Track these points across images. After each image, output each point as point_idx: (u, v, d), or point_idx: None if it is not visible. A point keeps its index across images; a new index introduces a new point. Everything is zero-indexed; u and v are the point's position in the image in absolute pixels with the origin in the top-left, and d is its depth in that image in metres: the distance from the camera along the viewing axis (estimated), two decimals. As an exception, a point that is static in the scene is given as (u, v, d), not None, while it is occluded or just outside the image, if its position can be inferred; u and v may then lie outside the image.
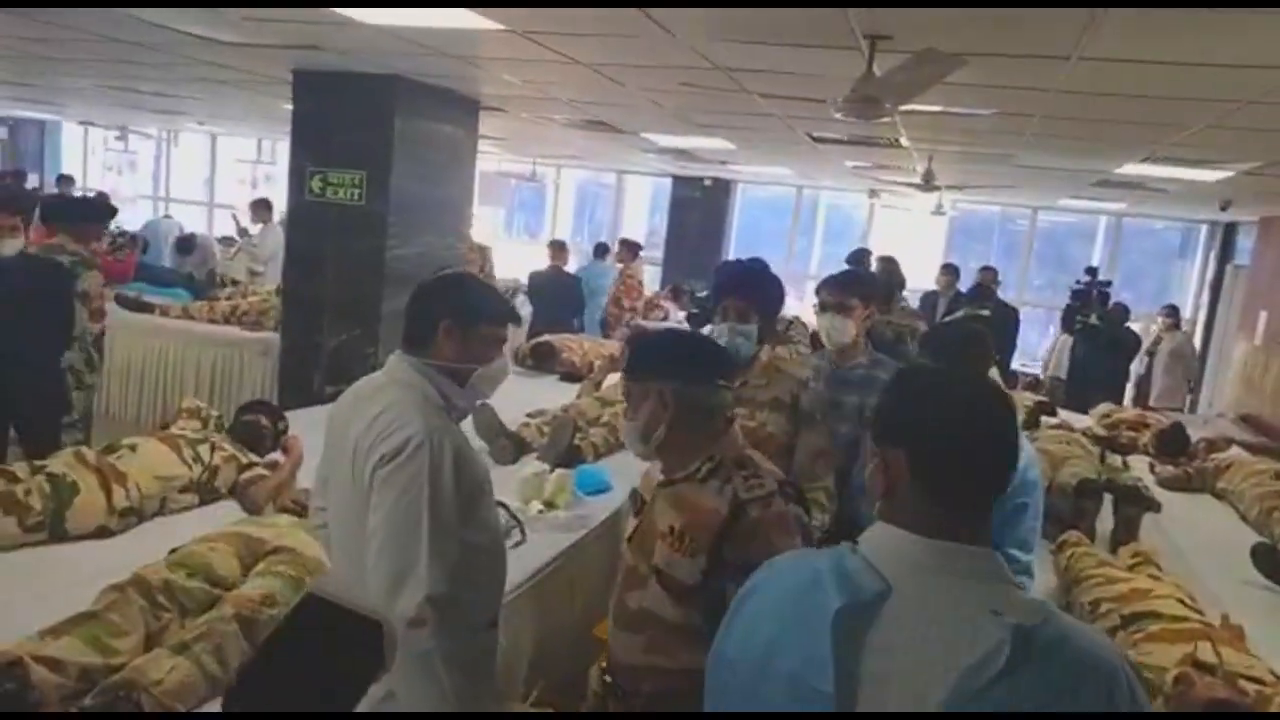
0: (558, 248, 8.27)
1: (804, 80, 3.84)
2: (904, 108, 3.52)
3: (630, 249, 8.78)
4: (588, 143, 7.95)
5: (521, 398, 4.29)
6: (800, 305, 6.37)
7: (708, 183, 10.83)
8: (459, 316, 1.79)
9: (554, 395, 4.81)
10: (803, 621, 1.03)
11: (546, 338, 6.36)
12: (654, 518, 1.71)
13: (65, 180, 8.40)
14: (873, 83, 3.08)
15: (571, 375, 5.81)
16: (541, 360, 6.10)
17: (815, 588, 1.04)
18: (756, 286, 2.62)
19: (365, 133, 4.91)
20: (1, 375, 3.75)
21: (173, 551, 2.32)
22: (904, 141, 5.44)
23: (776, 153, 7.14)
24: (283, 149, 13.37)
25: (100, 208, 4.60)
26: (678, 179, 11.03)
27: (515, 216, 13.66)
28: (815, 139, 5.72)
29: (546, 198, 12.71)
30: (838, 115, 3.26)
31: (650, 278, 10.02)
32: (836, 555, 1.08)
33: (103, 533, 2.73)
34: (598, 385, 4.90)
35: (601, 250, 9.07)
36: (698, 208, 11.02)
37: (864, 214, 11.12)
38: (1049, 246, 11.58)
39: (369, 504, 1.68)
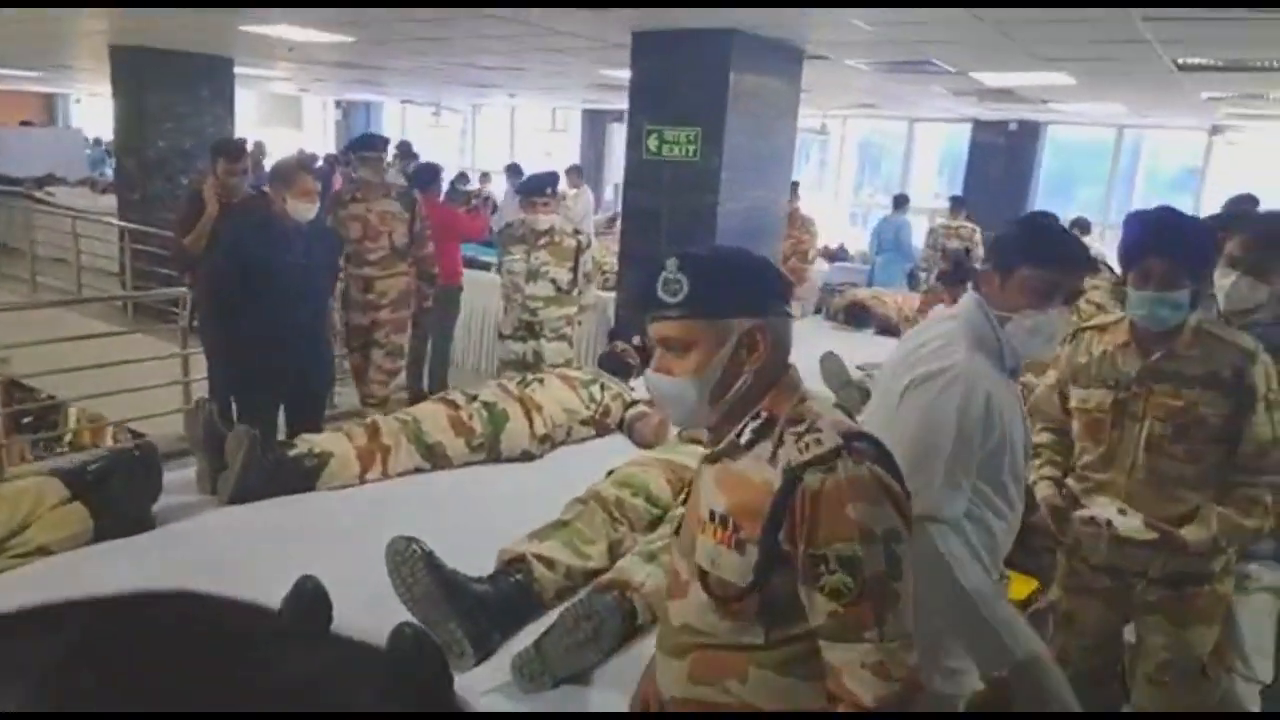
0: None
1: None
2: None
3: (958, 203, 8.45)
4: (891, 87, 7.69)
5: (842, 352, 4.28)
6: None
7: (1013, 127, 10.11)
8: (1000, 259, 1.78)
9: (873, 350, 4.73)
10: None
11: (858, 295, 6.31)
12: (697, 502, 1.33)
13: (406, 152, 9.36)
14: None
15: (887, 330, 5.73)
16: (853, 317, 6.06)
17: None
18: (1186, 241, 2.05)
19: (700, 89, 5.03)
20: (283, 339, 3.55)
21: (610, 473, 2.54)
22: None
23: (1118, 87, 6.52)
24: (574, 118, 14.20)
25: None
26: (979, 124, 10.39)
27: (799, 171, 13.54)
28: (1180, 66, 5.15)
29: (830, 151, 12.46)
30: None
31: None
32: None
33: (526, 456, 3.06)
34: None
35: (901, 202, 8.78)
36: (1000, 154, 10.32)
37: (1197, 155, 9.90)
38: None
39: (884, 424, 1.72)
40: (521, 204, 4.47)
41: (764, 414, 1.25)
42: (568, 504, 2.32)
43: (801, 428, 1.21)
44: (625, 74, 5.49)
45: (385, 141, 4.95)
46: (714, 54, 4.97)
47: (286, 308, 3.48)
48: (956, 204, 8.33)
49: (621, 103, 11.97)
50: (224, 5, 5.23)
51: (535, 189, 4.34)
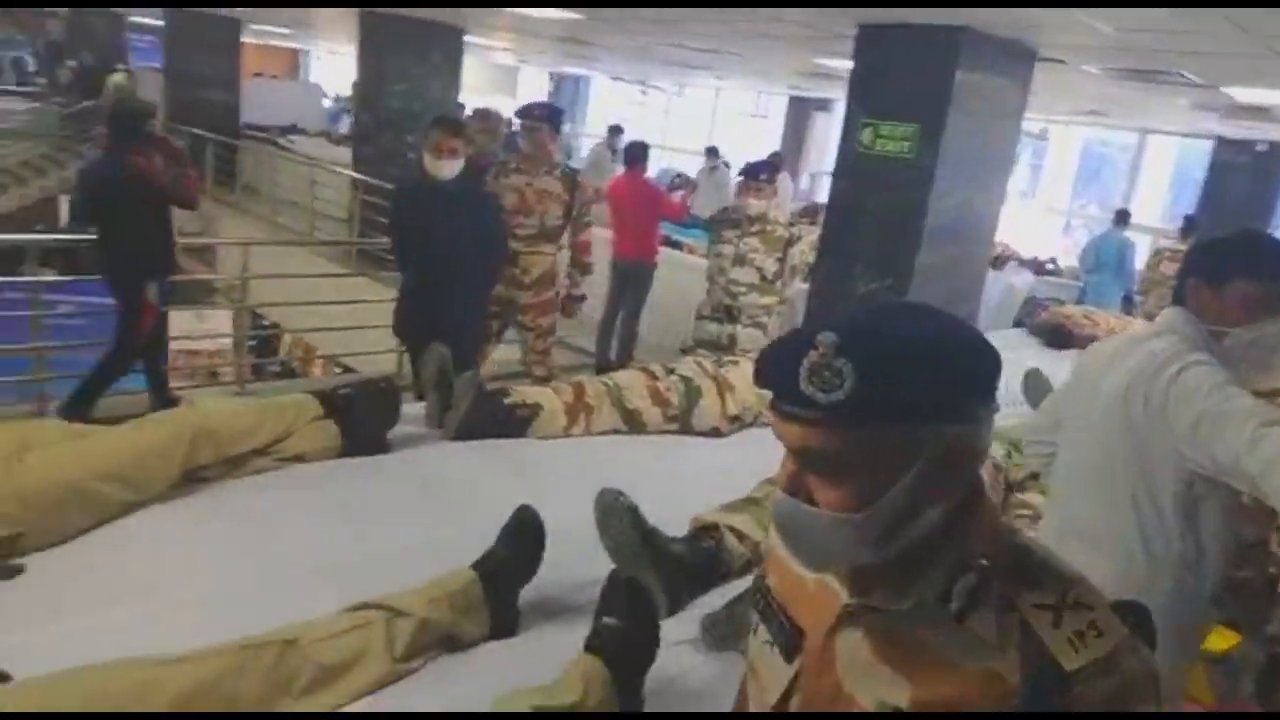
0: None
1: None
2: None
3: (1190, 225, 7.87)
4: (1125, 95, 7.21)
5: (1049, 369, 4.11)
6: None
7: (1261, 147, 9.23)
8: (1212, 272, 1.73)
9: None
10: None
11: (1068, 312, 6.01)
12: (838, 680, 0.92)
13: (615, 130, 9.68)
14: None
15: (1094, 350, 5.43)
16: (1053, 337, 5.78)
17: None
18: None
19: (923, 85, 4.93)
20: (428, 296, 3.60)
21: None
22: None
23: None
24: (777, 104, 14.14)
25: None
26: (1222, 141, 9.55)
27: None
28: None
29: (1047, 156, 11.82)
30: None
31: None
32: None
33: (715, 433, 3.16)
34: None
35: (1123, 217, 8.23)
36: (1244, 176, 9.45)
37: None
38: None
39: (1112, 443, 1.71)
40: (738, 188, 4.53)
41: (974, 562, 0.85)
42: (759, 484, 2.39)
43: (1052, 598, 0.84)
44: (841, 64, 5.47)
45: (547, 110, 4.49)
46: (941, 50, 4.85)
47: (431, 266, 3.62)
48: (1189, 226, 7.72)
49: (828, 91, 11.88)
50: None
51: (752, 173, 4.40)
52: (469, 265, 3.66)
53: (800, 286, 5.12)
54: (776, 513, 0.90)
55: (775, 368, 0.86)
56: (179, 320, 6.97)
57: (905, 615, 0.87)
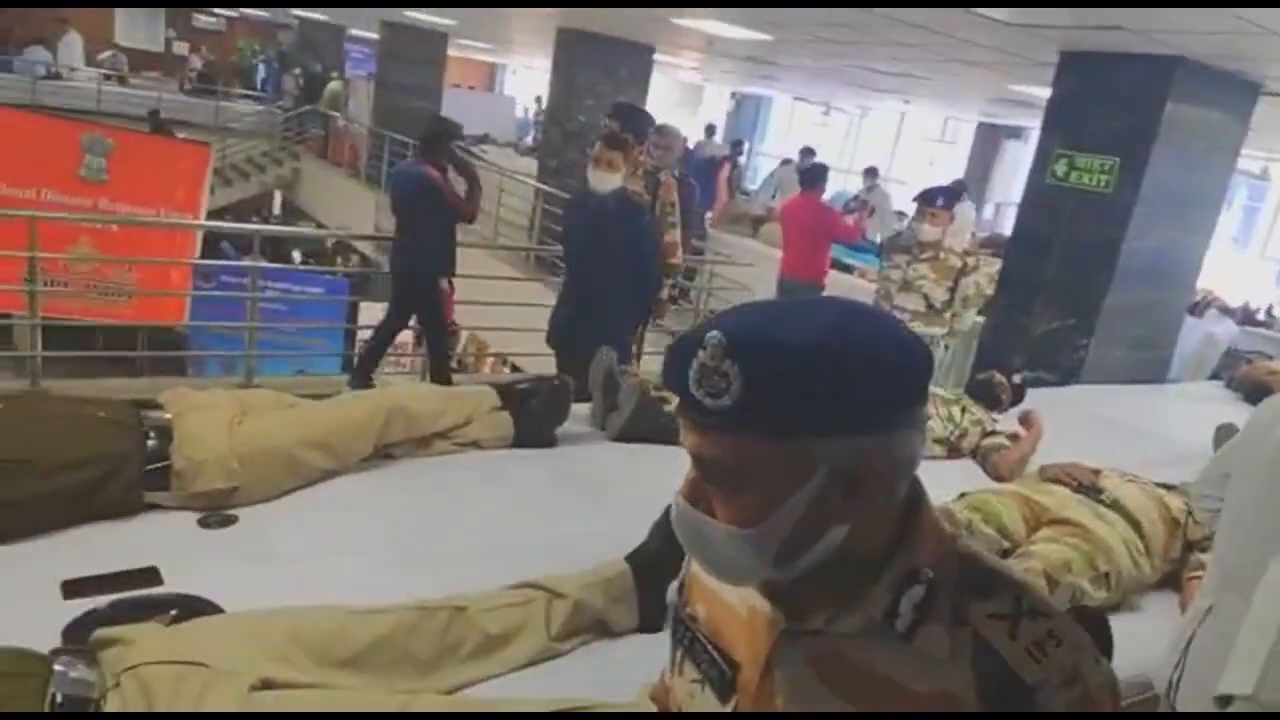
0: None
1: None
2: None
3: None
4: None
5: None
6: None
7: None
8: None
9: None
10: None
11: (1258, 369, 5.50)
12: (781, 714, 0.85)
13: (807, 152, 9.71)
14: None
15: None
16: (1254, 393, 5.30)
17: None
18: None
19: (1127, 117, 4.67)
20: (575, 304, 3.66)
21: (962, 495, 2.54)
22: None
23: None
24: (965, 130, 13.68)
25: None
26: None
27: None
28: None
29: (1268, 198, 10.86)
30: None
31: None
32: None
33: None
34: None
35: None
36: None
37: None
38: None
39: (1276, 495, 1.61)
40: (915, 213, 4.46)
41: (921, 572, 0.78)
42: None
43: (1006, 607, 0.78)
44: (1038, 91, 5.25)
45: (633, 115, 4.42)
46: (1150, 81, 4.59)
47: (582, 277, 3.75)
48: None
49: (1022, 119, 11.38)
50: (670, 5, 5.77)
51: (928, 198, 4.32)
52: (615, 278, 3.67)
53: (976, 319, 4.96)
54: (675, 520, 0.82)
55: (672, 364, 0.78)
56: (369, 310, 7.58)
57: (849, 637, 0.80)
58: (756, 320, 0.77)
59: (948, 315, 4.27)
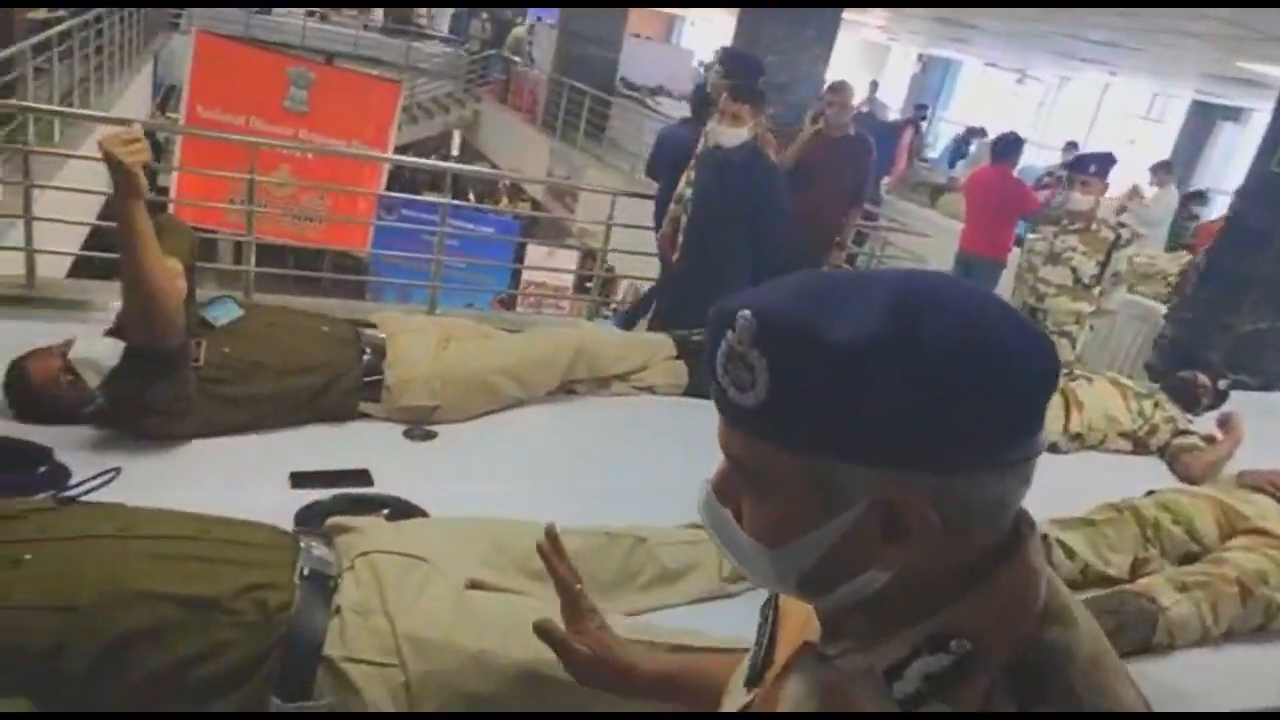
0: None
1: None
2: None
3: None
4: None
5: None
6: None
7: None
8: None
9: None
10: None
11: None
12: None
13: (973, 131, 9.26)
14: None
15: None
16: None
17: None
18: None
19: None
20: (694, 261, 3.41)
21: (1150, 493, 2.43)
22: None
23: None
24: (1175, 107, 12.61)
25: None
26: None
27: None
28: None
29: None
30: None
31: None
32: None
33: (1052, 448, 3.01)
34: None
35: None
36: None
37: None
38: None
39: None
40: (1065, 181, 4.18)
41: (959, 649, 0.58)
42: (1099, 506, 2.28)
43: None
44: (1270, 69, 4.79)
45: (742, 61, 4.15)
46: None
47: (695, 231, 3.52)
48: None
49: (1245, 99, 10.37)
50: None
51: (1080, 165, 4.04)
52: (735, 238, 3.41)
53: (1125, 297, 4.58)
54: (700, 510, 0.68)
55: (709, 336, 0.63)
56: (535, 253, 7.83)
57: (856, 678, 0.63)
58: (798, 302, 0.58)
59: (1095, 291, 3.93)
